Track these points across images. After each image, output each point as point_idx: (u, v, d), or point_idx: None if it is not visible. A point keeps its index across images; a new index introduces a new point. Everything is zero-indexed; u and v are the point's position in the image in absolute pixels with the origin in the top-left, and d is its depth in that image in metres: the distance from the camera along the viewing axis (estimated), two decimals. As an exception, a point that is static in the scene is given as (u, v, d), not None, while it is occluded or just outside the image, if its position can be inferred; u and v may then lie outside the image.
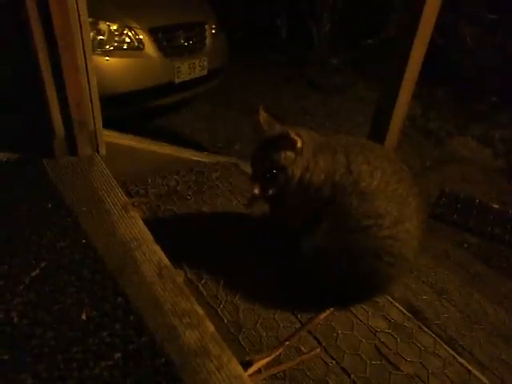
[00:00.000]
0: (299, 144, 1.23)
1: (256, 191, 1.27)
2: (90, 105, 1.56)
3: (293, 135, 1.21)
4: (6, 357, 0.90)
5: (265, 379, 1.11)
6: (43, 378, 0.87)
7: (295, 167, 1.24)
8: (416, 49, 1.72)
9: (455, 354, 1.26)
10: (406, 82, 1.80)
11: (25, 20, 1.35)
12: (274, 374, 1.12)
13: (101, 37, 2.86)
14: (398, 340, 1.27)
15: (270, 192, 1.29)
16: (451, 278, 1.73)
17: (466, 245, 2.37)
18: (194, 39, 3.39)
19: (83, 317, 1.00)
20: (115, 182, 1.51)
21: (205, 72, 3.46)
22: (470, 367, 1.23)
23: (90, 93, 1.54)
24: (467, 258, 2.11)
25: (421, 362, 1.21)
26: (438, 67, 4.03)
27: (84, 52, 1.47)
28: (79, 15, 1.41)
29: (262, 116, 1.31)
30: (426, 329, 1.34)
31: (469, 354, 1.34)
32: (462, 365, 1.23)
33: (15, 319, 0.98)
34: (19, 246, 1.18)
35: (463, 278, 1.78)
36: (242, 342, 1.20)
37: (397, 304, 1.41)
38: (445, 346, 1.29)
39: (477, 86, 4.48)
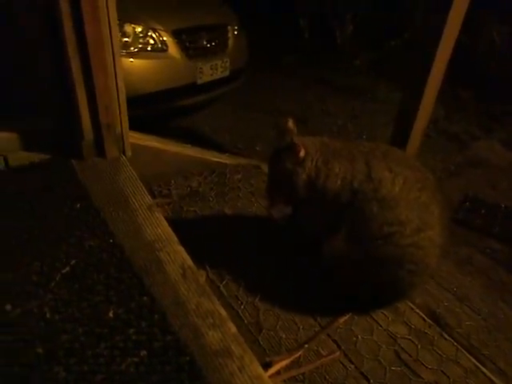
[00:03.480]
0: (302, 153, 1.27)
1: (268, 200, 1.41)
2: (117, 108, 1.61)
3: (296, 145, 1.26)
4: (40, 350, 0.95)
5: (284, 381, 1.13)
6: (74, 371, 0.91)
7: (299, 175, 1.28)
8: (442, 50, 1.68)
9: (478, 363, 1.25)
10: (431, 84, 1.78)
11: (58, 26, 1.40)
12: (294, 376, 1.14)
13: (126, 39, 2.92)
14: (419, 347, 1.27)
15: (281, 200, 1.40)
16: (473, 284, 1.70)
17: (489, 250, 2.31)
18: (217, 41, 3.43)
19: (110, 314, 1.04)
20: (141, 183, 1.55)
21: (227, 73, 3.49)
22: (493, 377, 1.21)
23: (118, 96, 1.59)
24: (490, 265, 2.07)
25: (442, 370, 1.21)
26: (462, 67, 3.94)
27: (113, 56, 1.52)
28: (109, 20, 1.46)
29: (286, 128, 1.34)
30: (447, 336, 1.33)
31: (492, 363, 1.32)
32: (485, 375, 1.22)
33: (48, 314, 1.02)
34: (50, 243, 1.23)
35: (486, 285, 1.75)
36: (262, 343, 1.22)
37: (417, 310, 1.40)
38: (467, 354, 1.27)
39: (503, 88, 4.36)
